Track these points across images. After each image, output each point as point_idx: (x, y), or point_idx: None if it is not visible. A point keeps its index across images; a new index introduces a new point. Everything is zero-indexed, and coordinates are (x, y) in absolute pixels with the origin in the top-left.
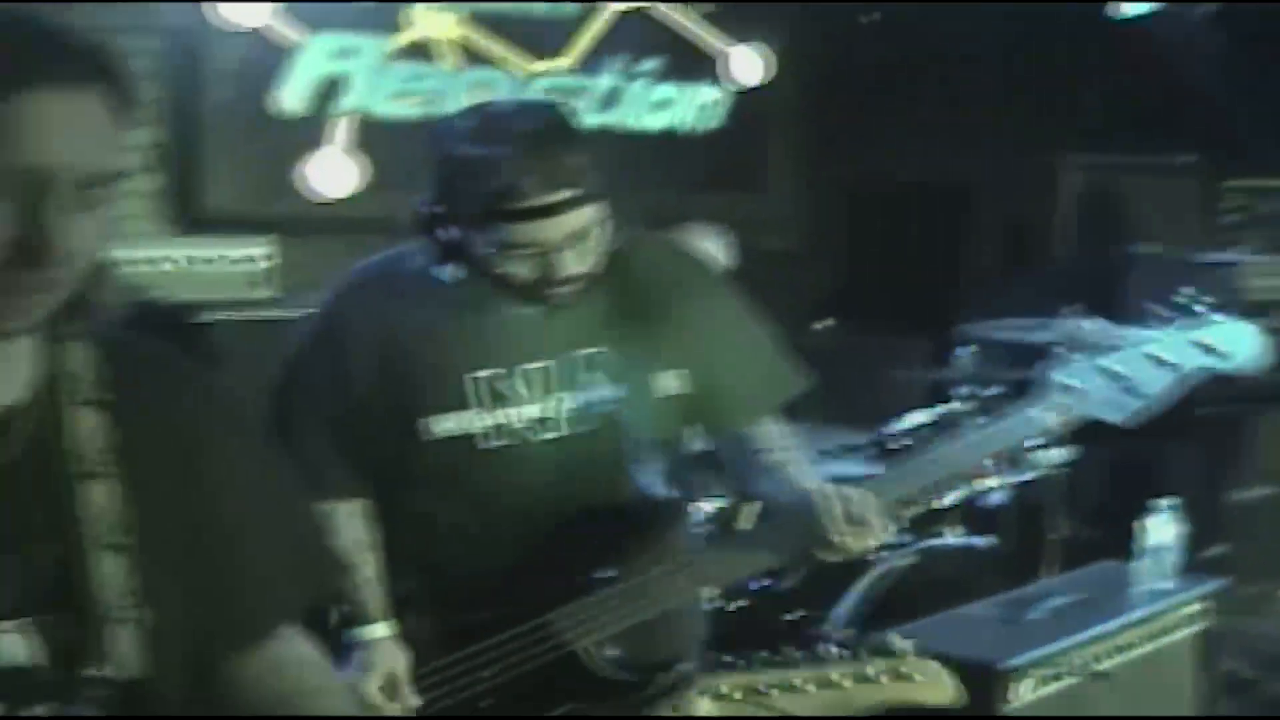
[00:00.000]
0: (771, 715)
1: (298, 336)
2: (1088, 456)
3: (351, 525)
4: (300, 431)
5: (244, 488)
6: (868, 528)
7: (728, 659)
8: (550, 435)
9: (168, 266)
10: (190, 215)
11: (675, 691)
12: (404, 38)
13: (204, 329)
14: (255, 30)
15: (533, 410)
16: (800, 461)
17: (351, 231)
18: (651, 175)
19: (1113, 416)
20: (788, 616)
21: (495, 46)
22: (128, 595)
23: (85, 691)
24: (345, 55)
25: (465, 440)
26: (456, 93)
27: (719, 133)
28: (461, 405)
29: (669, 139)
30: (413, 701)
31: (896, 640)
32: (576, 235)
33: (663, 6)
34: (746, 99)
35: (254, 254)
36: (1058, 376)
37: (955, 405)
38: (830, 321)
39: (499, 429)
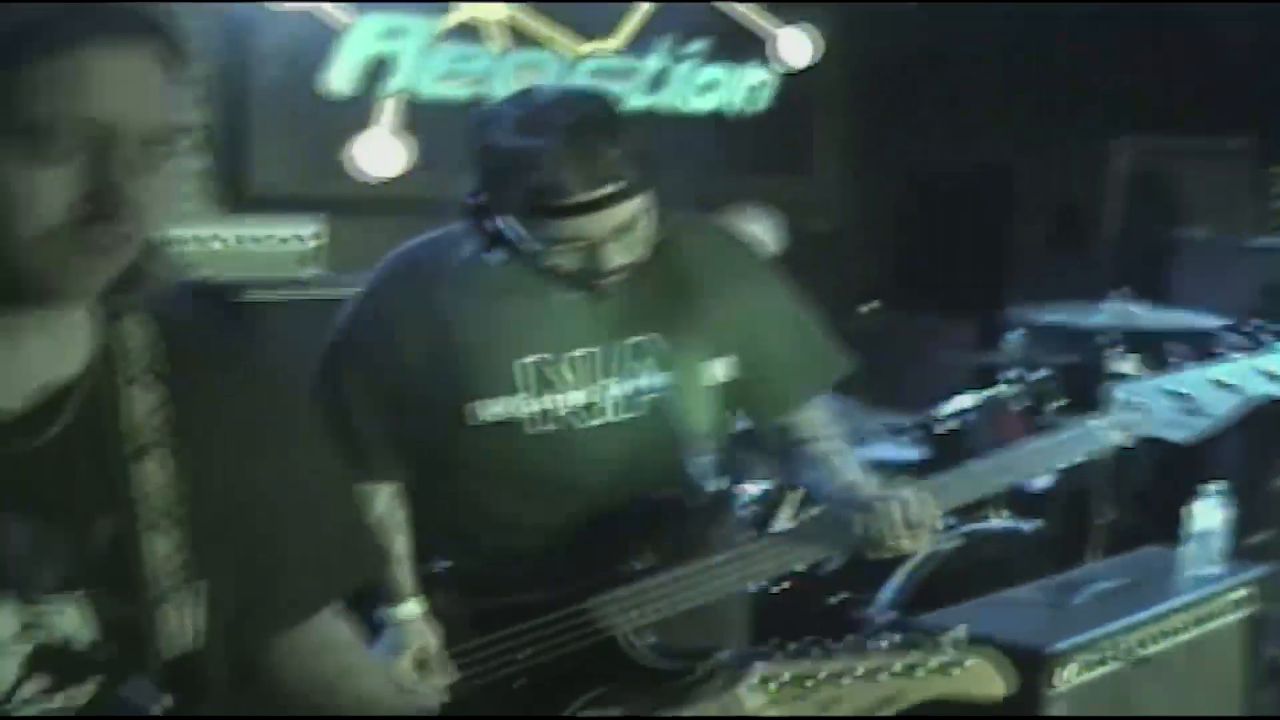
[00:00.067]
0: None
1: (343, 317)
2: (1135, 441)
3: (388, 505)
4: (344, 411)
5: (292, 467)
6: (924, 530)
7: (775, 647)
8: (597, 422)
9: (217, 245)
10: (238, 195)
11: (714, 679)
12: (452, 19)
13: (253, 308)
14: (304, 11)
15: (579, 396)
16: (845, 452)
17: (399, 212)
18: (698, 157)
19: (1175, 435)
20: (831, 600)
21: (543, 28)
22: (179, 570)
23: (135, 667)
24: (393, 36)
25: (511, 425)
26: (504, 74)
27: (766, 115)
28: (509, 390)
29: (716, 121)
30: (444, 679)
31: (947, 632)
32: (622, 228)
33: None
34: (794, 81)
35: (303, 233)
36: (1123, 394)
37: (1003, 389)
38: (876, 304)
39: (545, 414)
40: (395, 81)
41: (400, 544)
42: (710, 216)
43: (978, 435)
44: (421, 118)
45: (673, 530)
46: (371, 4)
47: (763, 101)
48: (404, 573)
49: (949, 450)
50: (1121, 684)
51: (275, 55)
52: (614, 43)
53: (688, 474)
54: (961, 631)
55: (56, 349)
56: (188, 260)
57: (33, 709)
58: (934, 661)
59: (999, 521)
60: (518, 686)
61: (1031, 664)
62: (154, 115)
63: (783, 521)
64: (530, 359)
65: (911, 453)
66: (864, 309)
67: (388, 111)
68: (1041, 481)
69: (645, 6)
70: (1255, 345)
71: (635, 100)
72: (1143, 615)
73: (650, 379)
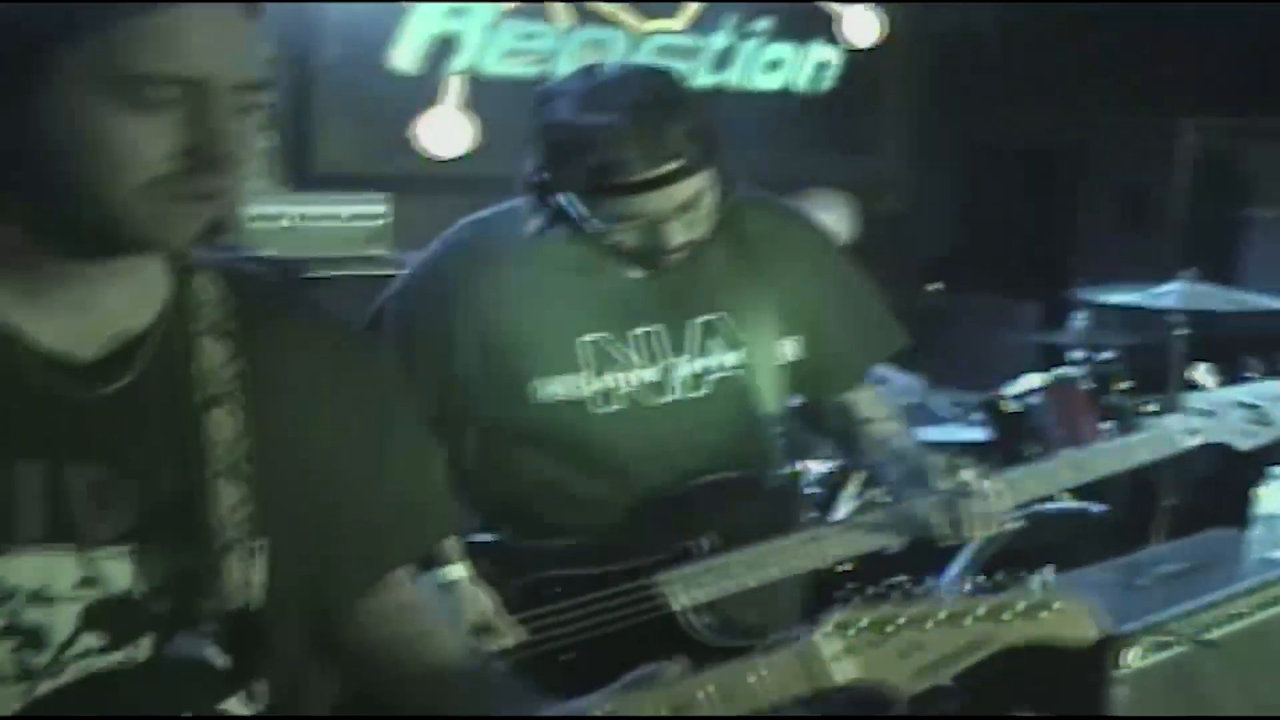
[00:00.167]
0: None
1: (398, 291)
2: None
3: None
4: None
5: (360, 429)
6: (996, 520)
7: (851, 592)
8: (664, 400)
9: (284, 223)
10: (304, 173)
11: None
12: None
13: (320, 283)
14: None
15: (644, 375)
16: (905, 434)
17: (462, 191)
18: (762, 136)
19: (1240, 443)
20: (892, 580)
21: (607, 5)
22: (243, 524)
23: (194, 623)
24: (458, 14)
25: (576, 404)
26: (568, 52)
27: (831, 94)
28: (570, 369)
29: (781, 99)
30: (512, 635)
31: (1035, 576)
32: (684, 205)
33: None
34: (859, 59)
35: (370, 211)
36: (1197, 401)
37: (1069, 370)
38: (939, 286)
39: (608, 394)
40: (460, 59)
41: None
42: (769, 194)
43: (1043, 416)
44: (485, 96)
45: (739, 510)
46: None
47: (828, 80)
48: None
49: (1015, 430)
50: (1186, 667)
51: (341, 33)
52: (679, 21)
53: (755, 454)
54: (1049, 572)
55: (131, 299)
56: (254, 238)
57: (91, 662)
58: (1022, 604)
59: (1065, 503)
60: (566, 660)
61: (1096, 646)
62: (245, 66)
63: (847, 501)
64: (591, 337)
65: (978, 432)
66: (930, 288)
67: (452, 90)
68: None
69: None
70: None
71: (700, 79)
72: (1208, 598)
73: (718, 358)
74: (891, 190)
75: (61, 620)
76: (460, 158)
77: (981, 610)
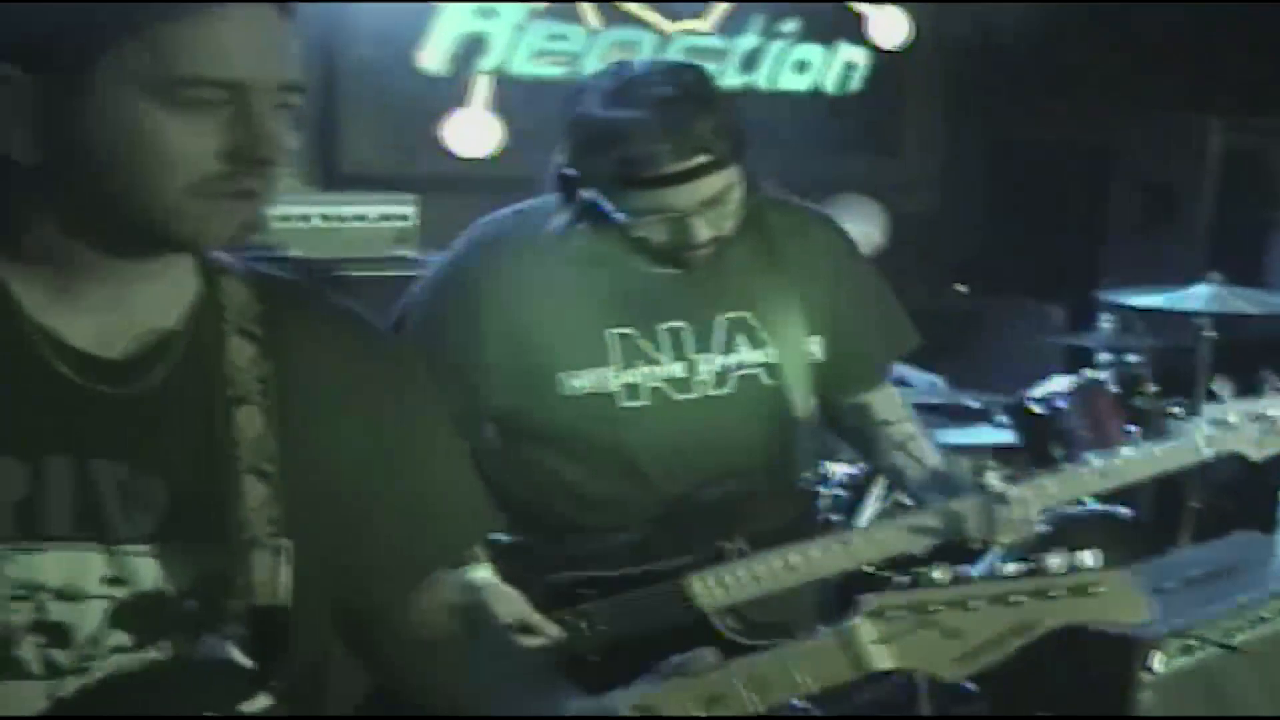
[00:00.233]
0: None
1: (425, 287)
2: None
3: None
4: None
5: (395, 429)
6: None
7: (895, 578)
8: (688, 396)
9: (316, 222)
10: (331, 172)
11: None
12: None
13: (348, 284)
14: None
15: (671, 370)
16: (924, 436)
17: (490, 191)
18: (790, 137)
19: (1253, 454)
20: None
21: (636, 6)
22: (270, 524)
23: (219, 621)
24: (486, 14)
25: (603, 398)
26: (596, 53)
27: (858, 95)
28: (598, 362)
29: (808, 100)
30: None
31: (1080, 555)
32: (711, 200)
33: None
34: (887, 60)
35: (399, 211)
36: (1215, 411)
37: (1094, 372)
38: (964, 288)
39: (635, 388)
40: (488, 60)
41: None
42: (790, 194)
43: (1069, 418)
44: (512, 97)
45: (765, 511)
46: None
47: (855, 82)
48: None
49: (1041, 433)
50: (1213, 671)
51: (368, 33)
52: (707, 22)
53: (779, 453)
54: (1093, 553)
55: (162, 298)
56: (280, 238)
57: (118, 660)
58: (1070, 581)
59: (1092, 506)
60: (592, 660)
61: (1123, 651)
62: (284, 67)
63: (872, 503)
64: (620, 330)
65: (1003, 434)
66: (958, 288)
67: (480, 90)
68: None
69: None
70: None
71: (728, 79)
72: (1235, 602)
73: (744, 355)
74: (918, 191)
75: (88, 617)
76: (487, 158)
77: (1028, 588)
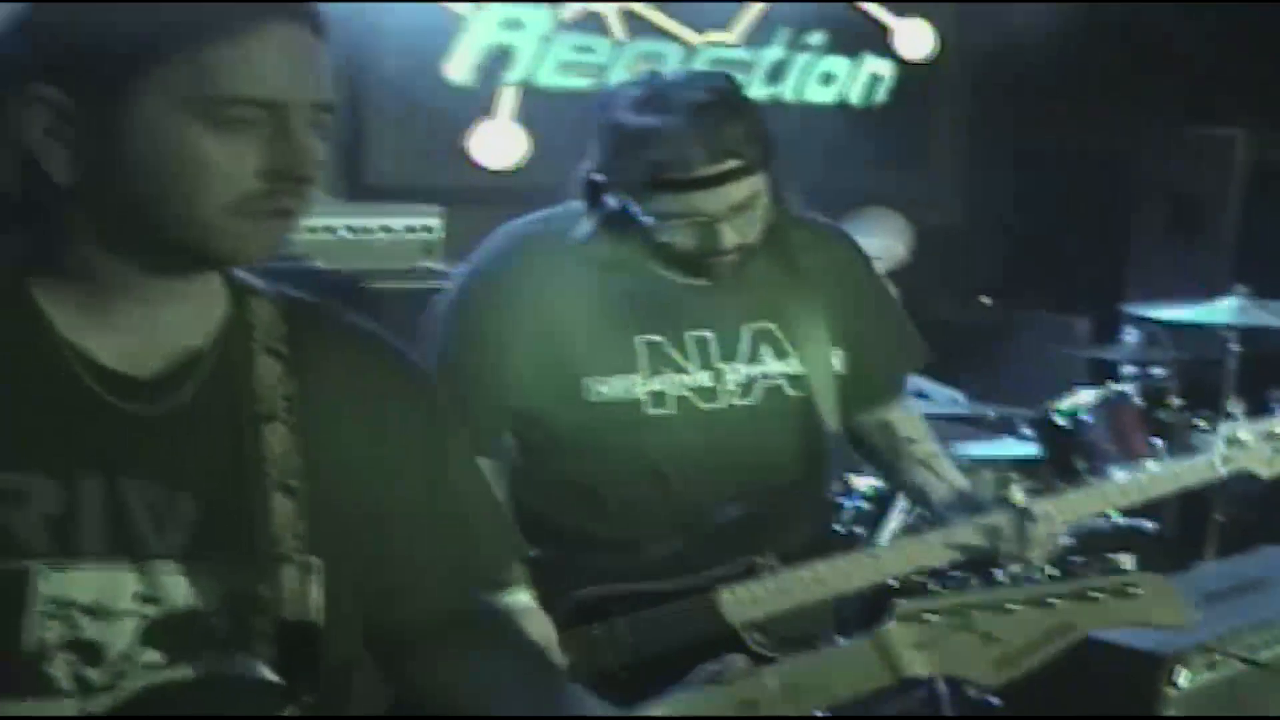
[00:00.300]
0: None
1: (455, 289)
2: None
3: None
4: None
5: (416, 454)
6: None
7: (932, 585)
8: (713, 406)
9: (342, 234)
10: (356, 183)
11: None
12: (571, 10)
13: (376, 296)
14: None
15: (697, 379)
16: (945, 455)
17: (515, 203)
18: (815, 150)
19: (1264, 473)
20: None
21: (662, 18)
22: (299, 540)
23: (250, 641)
24: (513, 26)
25: (628, 405)
26: (623, 64)
27: (883, 107)
28: (627, 368)
29: (834, 113)
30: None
31: (1116, 558)
32: (739, 206)
33: None
34: (911, 73)
35: (425, 223)
36: (1228, 430)
37: (1120, 385)
38: (988, 301)
39: (661, 396)
40: (514, 72)
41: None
42: (809, 208)
43: (1094, 432)
44: (538, 108)
45: (790, 522)
46: None
47: (880, 94)
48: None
49: (1066, 446)
50: (1238, 687)
51: (395, 44)
52: (733, 34)
53: (802, 465)
54: (1128, 558)
55: (191, 317)
56: (308, 249)
57: (148, 677)
58: (1109, 582)
59: (1117, 519)
60: (622, 677)
61: (1145, 666)
62: (320, 87)
63: (895, 517)
64: (648, 337)
65: (1028, 447)
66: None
67: (506, 101)
68: None
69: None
70: None
71: (753, 91)
72: (1260, 617)
73: (768, 366)
74: (943, 203)
75: (120, 635)
76: (512, 169)
77: (1066, 590)
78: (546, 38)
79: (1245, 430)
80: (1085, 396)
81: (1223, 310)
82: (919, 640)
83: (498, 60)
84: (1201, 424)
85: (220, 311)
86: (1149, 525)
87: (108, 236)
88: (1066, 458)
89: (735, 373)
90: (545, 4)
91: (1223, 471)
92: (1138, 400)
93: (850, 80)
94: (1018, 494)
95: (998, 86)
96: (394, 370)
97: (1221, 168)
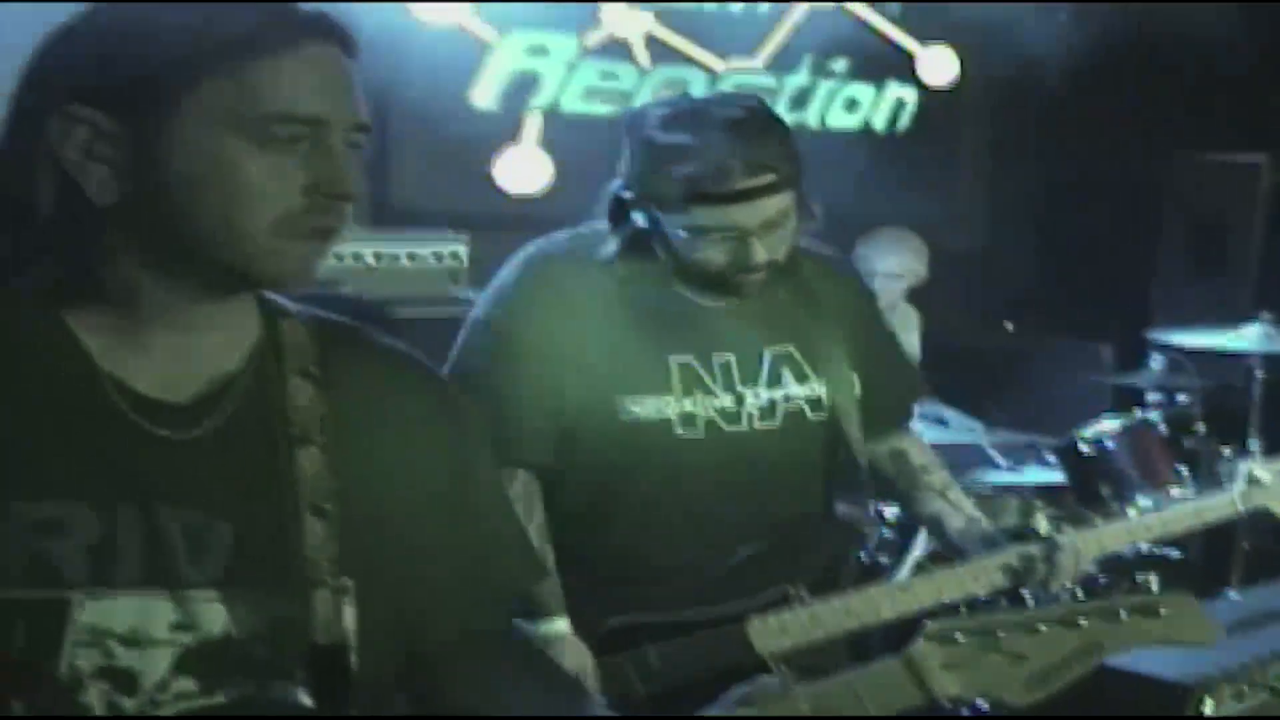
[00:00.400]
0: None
1: (482, 315)
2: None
3: (532, 508)
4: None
5: (447, 473)
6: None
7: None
8: (736, 429)
9: (369, 260)
10: (381, 208)
11: None
12: (595, 37)
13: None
14: (450, 27)
15: (722, 401)
16: (955, 484)
17: (540, 229)
18: (839, 174)
19: (1279, 511)
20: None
21: (686, 45)
22: (332, 564)
23: (286, 666)
24: (538, 53)
25: (659, 425)
26: (647, 91)
27: (907, 133)
28: (661, 389)
29: (857, 138)
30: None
31: (1144, 578)
32: (772, 222)
33: (853, 6)
34: (935, 99)
35: (450, 249)
36: (1246, 468)
37: (1144, 413)
38: (1012, 326)
39: (691, 417)
40: (538, 98)
41: (548, 554)
42: (817, 242)
43: (1119, 459)
44: (563, 134)
45: (815, 546)
46: (517, 21)
47: (904, 120)
48: (552, 584)
49: (1090, 473)
50: (1267, 717)
51: (421, 70)
52: (757, 60)
53: (823, 489)
54: (1153, 579)
55: (226, 341)
56: (335, 275)
57: (183, 706)
58: (1136, 601)
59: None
60: (652, 706)
61: (1178, 694)
62: (357, 106)
63: (920, 545)
64: (679, 359)
65: (1052, 474)
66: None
67: (531, 128)
68: None
69: (786, 27)
70: None
71: None
72: None
73: (790, 389)
74: (967, 229)
75: (155, 664)
76: (537, 196)
77: (1094, 610)
78: (571, 64)
79: (1262, 469)
80: (1110, 423)
81: (1247, 337)
82: (948, 660)
83: (523, 87)
84: (1226, 451)
85: (253, 335)
86: (1175, 553)
87: (149, 259)
88: (1091, 485)
89: (756, 396)
90: (570, 31)
91: (1242, 509)
92: (1162, 427)
93: (874, 106)
94: (1044, 523)
95: (1021, 113)
96: (424, 390)
97: (1246, 194)
